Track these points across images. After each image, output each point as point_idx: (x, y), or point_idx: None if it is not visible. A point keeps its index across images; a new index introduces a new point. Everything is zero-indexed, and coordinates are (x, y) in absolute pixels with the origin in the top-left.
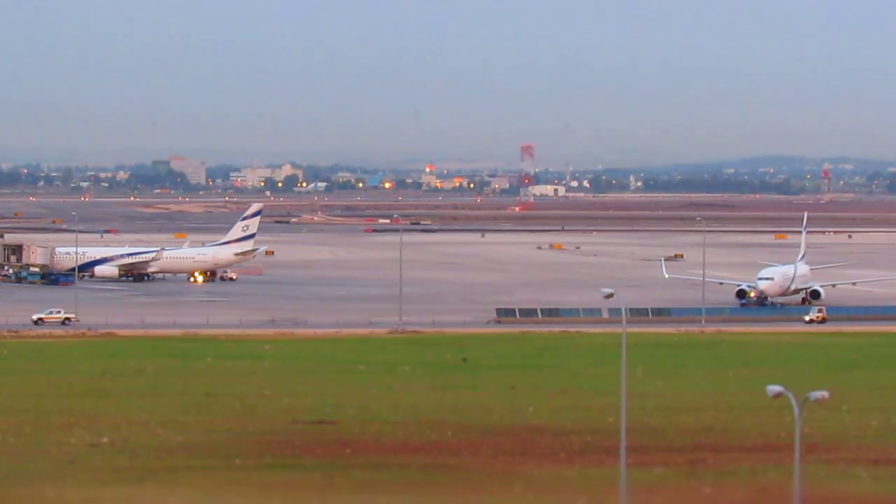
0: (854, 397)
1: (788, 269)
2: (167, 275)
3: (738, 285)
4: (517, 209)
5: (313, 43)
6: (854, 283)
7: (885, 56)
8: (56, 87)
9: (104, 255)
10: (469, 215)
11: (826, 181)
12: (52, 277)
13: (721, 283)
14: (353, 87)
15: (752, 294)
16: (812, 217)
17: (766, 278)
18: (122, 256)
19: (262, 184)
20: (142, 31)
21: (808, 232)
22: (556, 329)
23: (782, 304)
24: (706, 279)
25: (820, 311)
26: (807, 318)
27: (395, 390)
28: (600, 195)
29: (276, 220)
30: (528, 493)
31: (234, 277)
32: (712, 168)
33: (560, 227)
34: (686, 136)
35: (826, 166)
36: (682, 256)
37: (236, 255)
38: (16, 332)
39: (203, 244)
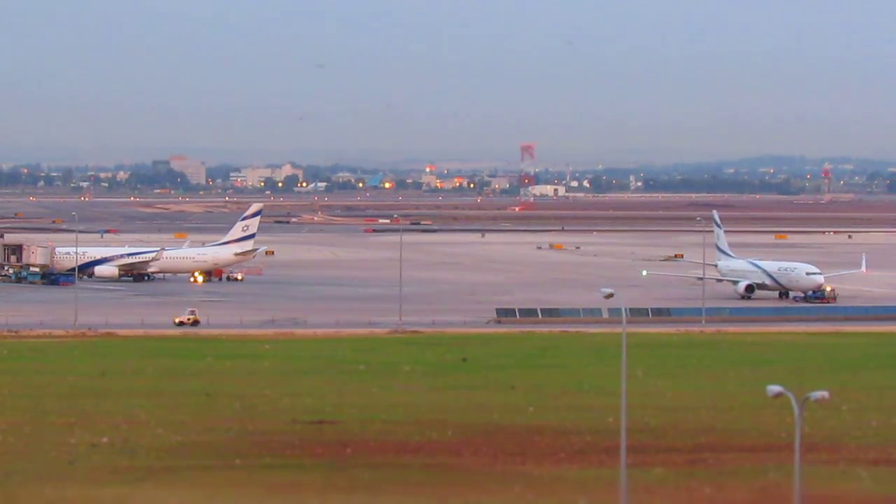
0: (854, 397)
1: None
2: (167, 275)
3: (719, 280)
4: (517, 209)
5: (312, 42)
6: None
7: (885, 56)
8: (56, 86)
9: (104, 255)
10: (469, 215)
11: (826, 181)
12: (52, 277)
13: (700, 279)
14: (352, 86)
15: (830, 288)
16: (812, 217)
17: (818, 273)
18: (122, 256)
19: (262, 184)
20: (141, 31)
21: (805, 232)
22: (556, 329)
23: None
24: (681, 275)
25: None
26: None
27: (395, 390)
28: (600, 195)
29: (276, 220)
30: (528, 493)
31: (241, 278)
32: (712, 168)
33: (560, 227)
34: (686, 135)
35: (826, 166)
36: (682, 256)
37: (236, 255)
38: (16, 332)
39: (203, 244)
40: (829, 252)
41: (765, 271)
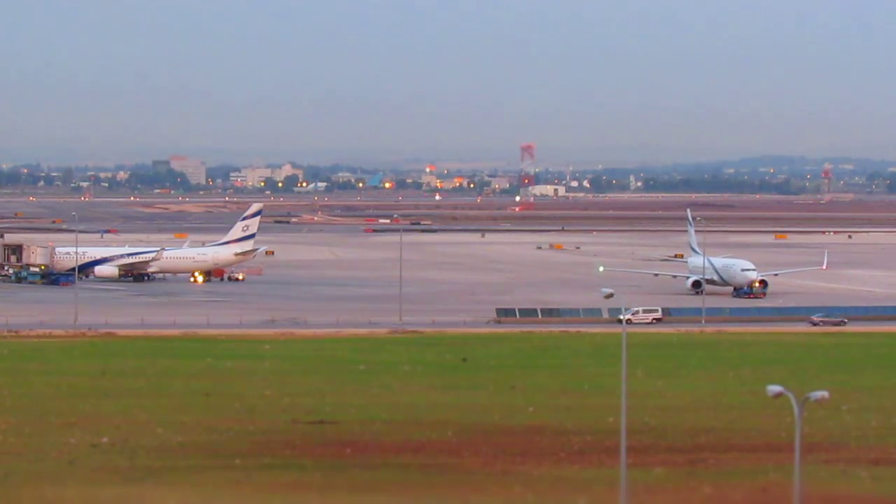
0: (854, 397)
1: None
2: (167, 275)
3: (674, 276)
4: (517, 209)
5: (313, 42)
6: (776, 274)
7: (885, 56)
8: (56, 86)
9: (104, 255)
10: (469, 215)
11: (826, 181)
12: (52, 277)
13: (657, 275)
14: (352, 86)
15: (758, 284)
16: (812, 217)
17: (752, 269)
18: (122, 256)
19: (262, 184)
20: (141, 30)
21: (805, 232)
22: (556, 329)
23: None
24: (639, 272)
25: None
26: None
27: (395, 390)
28: (600, 195)
29: (276, 220)
30: (528, 493)
31: (242, 278)
32: (712, 168)
33: (560, 227)
34: (686, 136)
35: (826, 166)
36: (682, 256)
37: (236, 255)
38: (16, 332)
39: (203, 244)
40: (827, 252)
41: (714, 268)
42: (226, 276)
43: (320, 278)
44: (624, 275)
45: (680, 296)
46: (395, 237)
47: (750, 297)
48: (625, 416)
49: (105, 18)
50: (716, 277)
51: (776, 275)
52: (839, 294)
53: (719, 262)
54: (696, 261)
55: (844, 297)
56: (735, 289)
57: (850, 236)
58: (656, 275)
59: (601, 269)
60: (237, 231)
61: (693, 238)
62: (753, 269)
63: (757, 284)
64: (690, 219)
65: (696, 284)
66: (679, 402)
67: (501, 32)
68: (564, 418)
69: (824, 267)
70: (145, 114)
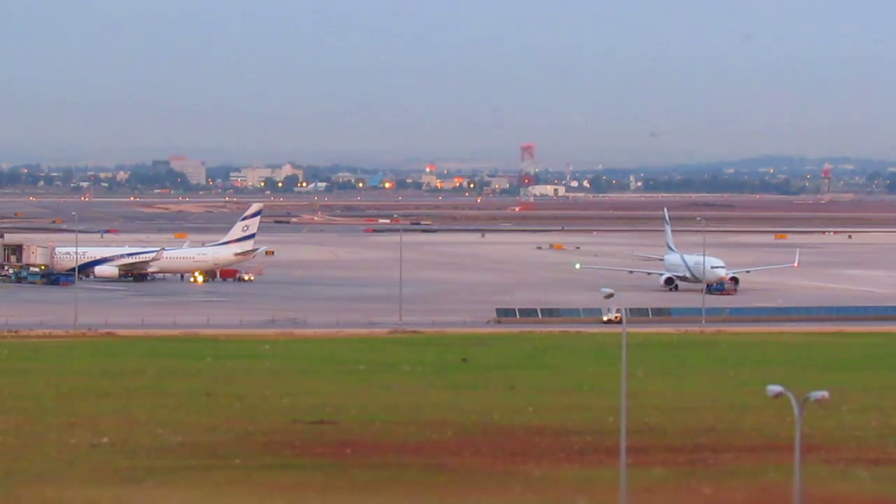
0: (854, 397)
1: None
2: (167, 275)
3: (649, 274)
4: (517, 209)
5: (312, 42)
6: (748, 271)
7: (885, 56)
8: (56, 86)
9: (104, 255)
10: (469, 215)
11: (826, 181)
12: (52, 277)
13: (631, 272)
14: (353, 86)
15: (729, 280)
16: (812, 217)
17: (721, 266)
18: (122, 256)
19: (262, 184)
20: (141, 31)
21: (805, 232)
22: (556, 329)
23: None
24: (615, 269)
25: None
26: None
27: (395, 390)
28: (600, 195)
29: (276, 220)
30: (528, 493)
31: (248, 278)
32: (712, 168)
33: (560, 227)
34: (686, 136)
35: (826, 166)
36: None
37: (236, 255)
38: (16, 332)
39: (203, 244)
40: (827, 252)
41: (686, 265)
42: (237, 276)
43: (320, 278)
44: (602, 272)
45: (653, 293)
46: (395, 237)
47: (721, 294)
48: (625, 416)
49: (105, 19)
50: (688, 274)
51: (748, 272)
52: (839, 294)
53: (691, 259)
54: (670, 258)
55: (844, 297)
56: (707, 286)
57: (850, 236)
58: (631, 272)
59: (577, 266)
60: (237, 231)
61: (669, 236)
62: (722, 267)
63: (728, 281)
64: (667, 218)
65: (669, 281)
66: (679, 402)
67: (500, 32)
68: (564, 418)
69: (796, 265)
70: (145, 114)
